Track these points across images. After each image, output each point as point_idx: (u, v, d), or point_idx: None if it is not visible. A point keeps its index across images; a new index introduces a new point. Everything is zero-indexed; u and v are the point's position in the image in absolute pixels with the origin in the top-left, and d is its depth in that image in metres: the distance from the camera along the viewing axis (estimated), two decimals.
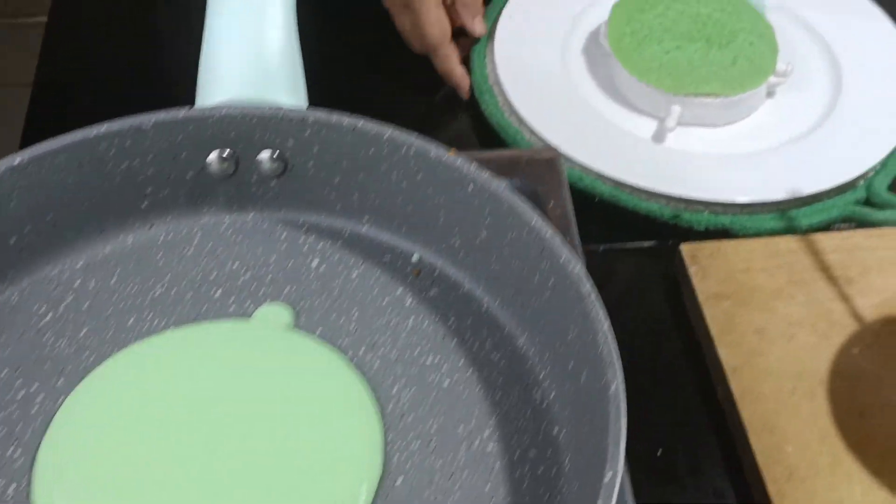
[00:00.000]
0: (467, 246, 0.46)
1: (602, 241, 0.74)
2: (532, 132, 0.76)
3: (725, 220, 0.73)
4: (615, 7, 0.84)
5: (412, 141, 0.45)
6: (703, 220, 0.73)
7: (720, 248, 0.71)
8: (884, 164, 0.77)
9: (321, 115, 0.46)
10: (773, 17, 0.85)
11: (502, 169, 0.59)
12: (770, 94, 0.82)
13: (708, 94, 0.77)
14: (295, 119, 0.46)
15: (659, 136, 0.77)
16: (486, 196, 0.45)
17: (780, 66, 0.80)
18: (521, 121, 0.77)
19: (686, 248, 0.71)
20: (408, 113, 0.82)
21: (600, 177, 0.74)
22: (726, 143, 0.78)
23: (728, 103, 0.78)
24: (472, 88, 0.81)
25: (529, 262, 0.45)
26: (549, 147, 0.60)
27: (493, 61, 0.82)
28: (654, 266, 0.73)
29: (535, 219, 0.44)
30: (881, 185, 0.76)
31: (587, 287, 0.44)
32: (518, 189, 0.57)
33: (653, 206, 0.74)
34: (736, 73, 0.78)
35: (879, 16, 0.87)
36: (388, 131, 0.45)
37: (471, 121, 0.81)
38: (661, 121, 0.77)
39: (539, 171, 0.58)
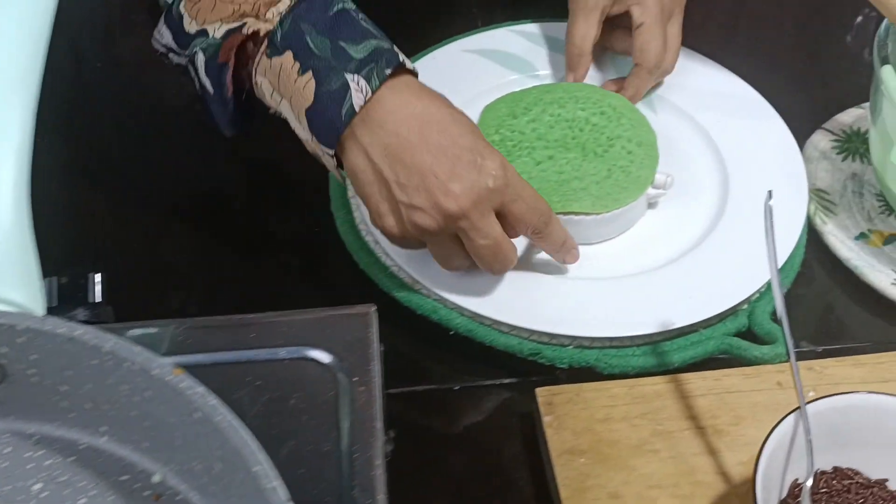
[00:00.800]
0: (209, 473, 0.40)
1: (458, 378, 0.68)
2: (387, 254, 0.70)
3: (591, 356, 0.67)
4: (485, 111, 0.78)
5: (135, 356, 0.39)
6: (567, 356, 0.67)
7: (580, 392, 0.64)
8: (768, 287, 0.71)
9: (34, 321, 0.40)
10: (662, 117, 0.80)
11: (309, 329, 0.53)
12: (652, 205, 0.76)
13: (578, 213, 0.71)
14: (4, 326, 0.40)
15: (525, 261, 0.70)
16: (212, 428, 0.39)
17: (660, 177, 0.74)
18: (377, 241, 0.71)
19: (542, 394, 0.64)
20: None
21: (457, 308, 0.68)
22: (598, 266, 0.72)
23: (601, 220, 0.72)
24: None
25: None
26: (364, 305, 0.54)
27: None
28: (514, 405, 0.67)
29: (257, 465, 0.38)
30: (764, 313, 0.70)
31: None
32: (313, 360, 0.52)
33: (511, 341, 0.67)
34: (610, 187, 0.72)
35: (772, 115, 0.81)
36: (110, 342, 0.39)
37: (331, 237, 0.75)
38: (529, 244, 0.70)
39: (349, 330, 0.52)
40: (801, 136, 0.82)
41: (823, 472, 0.57)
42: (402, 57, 0.61)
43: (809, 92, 0.87)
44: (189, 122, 0.77)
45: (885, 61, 0.70)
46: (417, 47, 0.85)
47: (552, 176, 0.73)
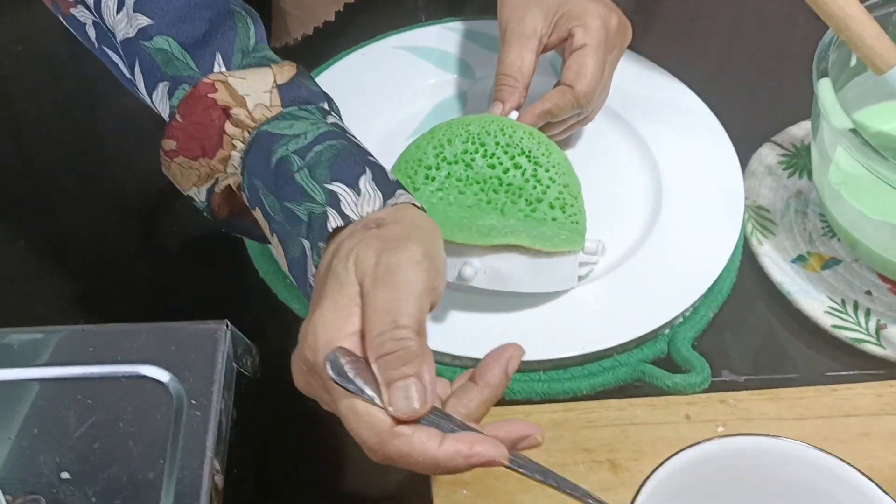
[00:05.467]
0: None
1: None
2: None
3: None
4: (404, 155, 0.71)
5: None
6: None
7: None
8: (692, 311, 0.67)
9: None
10: (599, 124, 0.75)
11: (152, 345, 0.49)
12: (581, 277, 0.68)
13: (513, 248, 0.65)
14: None
15: None
16: None
17: (590, 244, 0.67)
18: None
19: None
20: None
21: None
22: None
23: (532, 267, 0.65)
24: None
25: None
26: (215, 322, 0.50)
27: None
28: None
29: None
30: (685, 340, 0.65)
31: None
32: (151, 378, 0.48)
33: None
34: (545, 236, 0.65)
35: (716, 126, 0.77)
36: None
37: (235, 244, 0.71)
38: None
39: (196, 348, 0.49)
40: (750, 149, 0.78)
41: None
42: (332, 223, 0.50)
43: (762, 103, 0.82)
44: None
45: (823, 74, 0.66)
46: (355, 40, 0.81)
47: (484, 213, 0.67)
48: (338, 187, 0.51)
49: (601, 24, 0.70)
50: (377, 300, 0.45)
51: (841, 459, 0.51)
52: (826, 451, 0.51)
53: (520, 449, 0.47)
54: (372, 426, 0.43)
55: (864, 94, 0.71)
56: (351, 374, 0.43)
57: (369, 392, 0.43)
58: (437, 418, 0.44)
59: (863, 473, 0.50)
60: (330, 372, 0.43)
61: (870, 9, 0.64)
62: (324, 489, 0.61)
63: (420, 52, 0.80)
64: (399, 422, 0.43)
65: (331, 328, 0.45)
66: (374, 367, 0.44)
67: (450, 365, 0.63)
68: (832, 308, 0.68)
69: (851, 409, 0.61)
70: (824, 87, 0.65)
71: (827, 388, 0.62)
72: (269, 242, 0.55)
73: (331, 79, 0.77)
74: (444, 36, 0.82)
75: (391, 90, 0.78)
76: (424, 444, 0.43)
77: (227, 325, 0.51)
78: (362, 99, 0.77)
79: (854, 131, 0.63)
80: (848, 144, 0.63)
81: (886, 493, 0.49)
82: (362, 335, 0.45)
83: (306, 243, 0.51)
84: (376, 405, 0.43)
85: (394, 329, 0.44)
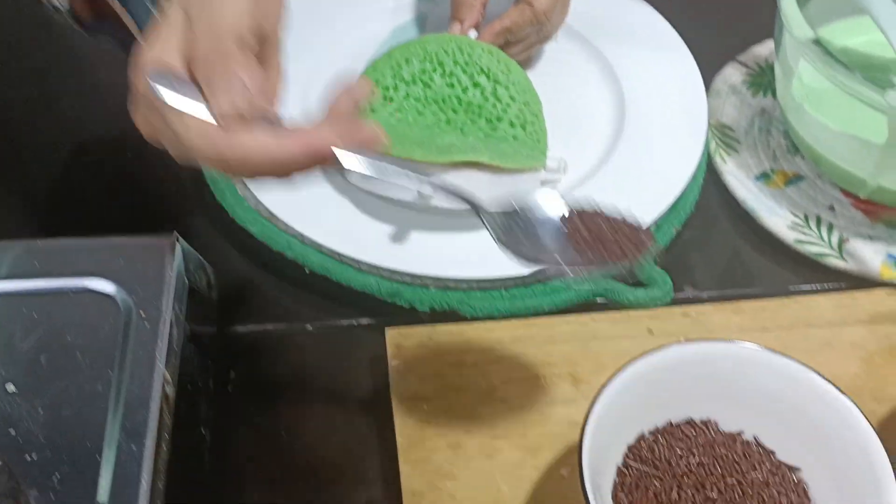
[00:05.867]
0: None
1: (312, 318, 0.63)
2: (244, 186, 0.65)
3: (454, 298, 0.62)
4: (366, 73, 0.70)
5: None
6: (427, 298, 0.62)
7: (432, 335, 0.60)
8: (656, 227, 0.66)
9: None
10: (563, 43, 0.74)
11: (100, 258, 0.48)
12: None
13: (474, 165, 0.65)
14: None
15: (386, 194, 0.65)
16: None
17: (552, 162, 0.67)
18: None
19: (391, 335, 0.60)
20: None
21: (313, 244, 0.63)
22: None
23: (493, 183, 0.65)
24: None
25: None
26: (164, 235, 0.49)
27: None
28: (369, 348, 0.62)
29: None
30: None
31: None
32: (99, 292, 0.47)
33: (369, 281, 0.63)
34: (505, 153, 0.65)
35: (679, 45, 0.75)
36: None
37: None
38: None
39: (145, 262, 0.48)
40: (715, 69, 0.77)
41: (674, 425, 0.52)
42: None
43: (727, 22, 0.81)
44: None
45: None
46: None
47: (444, 133, 0.66)
48: None
49: None
50: (201, 21, 0.44)
51: (801, 363, 0.51)
52: (786, 356, 0.51)
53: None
54: (204, 134, 0.42)
55: (828, 11, 0.70)
56: (177, 87, 0.42)
57: (197, 103, 0.42)
58: (270, 123, 0.43)
59: (822, 377, 0.50)
60: (154, 85, 0.42)
61: None
62: (282, 406, 0.60)
63: None
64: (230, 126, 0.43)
65: (153, 49, 0.44)
66: (200, 80, 0.43)
67: (411, 284, 0.63)
68: (795, 223, 0.67)
69: (814, 320, 0.61)
70: (787, 0, 0.64)
71: (789, 299, 0.62)
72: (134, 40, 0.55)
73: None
74: None
75: (350, 13, 0.77)
76: (257, 140, 0.43)
77: (176, 238, 0.50)
78: (321, 22, 0.75)
79: (817, 42, 0.62)
80: (811, 56, 0.62)
81: (845, 394, 0.49)
82: (190, 61, 0.45)
83: (152, 7, 0.52)
84: (205, 115, 0.43)
85: (218, 44, 0.44)
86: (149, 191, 0.69)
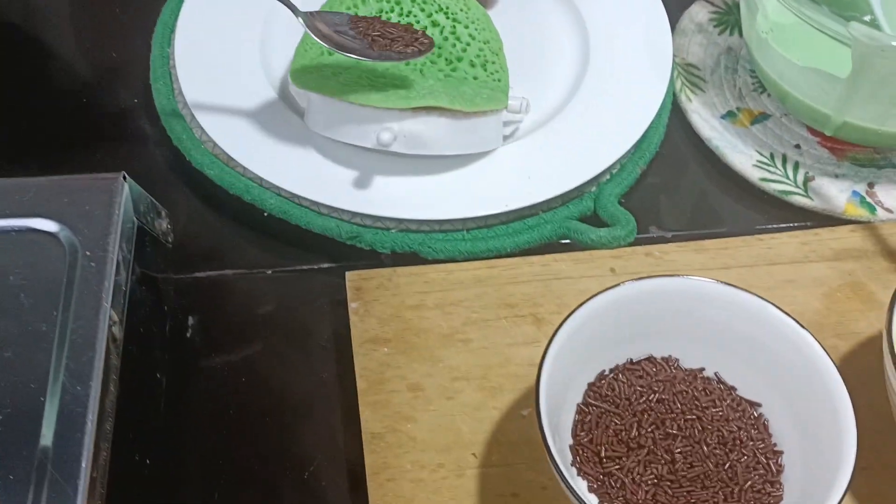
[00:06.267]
0: None
1: (271, 263, 0.62)
2: (201, 129, 0.64)
3: (415, 240, 0.61)
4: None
5: None
6: (388, 240, 0.61)
7: (392, 277, 0.59)
8: (619, 168, 0.66)
9: None
10: None
11: (44, 198, 0.47)
12: (507, 137, 0.66)
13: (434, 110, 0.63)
14: None
15: (346, 137, 0.63)
16: None
17: (514, 102, 0.65)
18: (193, 115, 0.65)
19: (351, 278, 0.59)
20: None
21: (272, 187, 0.62)
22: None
23: (455, 128, 0.63)
24: None
25: None
26: (111, 174, 0.48)
27: (173, 45, 0.69)
28: (329, 292, 0.61)
29: None
30: (611, 196, 0.64)
31: None
32: (43, 231, 0.46)
33: (329, 224, 0.62)
34: (466, 95, 0.63)
35: None
36: None
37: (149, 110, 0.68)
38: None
39: (91, 200, 0.46)
40: (681, 7, 0.76)
41: (634, 362, 0.52)
42: None
43: None
44: None
45: None
46: None
47: (402, 75, 0.64)
48: None
49: None
50: None
51: (761, 297, 0.50)
52: (746, 290, 0.51)
53: None
54: None
55: None
56: None
57: None
58: None
59: (782, 310, 0.50)
60: None
61: None
62: (242, 351, 0.59)
63: None
64: None
65: None
66: None
67: (372, 227, 0.62)
68: (760, 162, 0.67)
69: (776, 258, 0.61)
70: None
71: (752, 237, 0.62)
72: None
73: None
74: None
75: None
76: None
77: (123, 177, 0.48)
78: None
79: None
80: None
81: (804, 327, 0.49)
82: None
83: None
84: None
85: None
86: (104, 135, 0.68)
